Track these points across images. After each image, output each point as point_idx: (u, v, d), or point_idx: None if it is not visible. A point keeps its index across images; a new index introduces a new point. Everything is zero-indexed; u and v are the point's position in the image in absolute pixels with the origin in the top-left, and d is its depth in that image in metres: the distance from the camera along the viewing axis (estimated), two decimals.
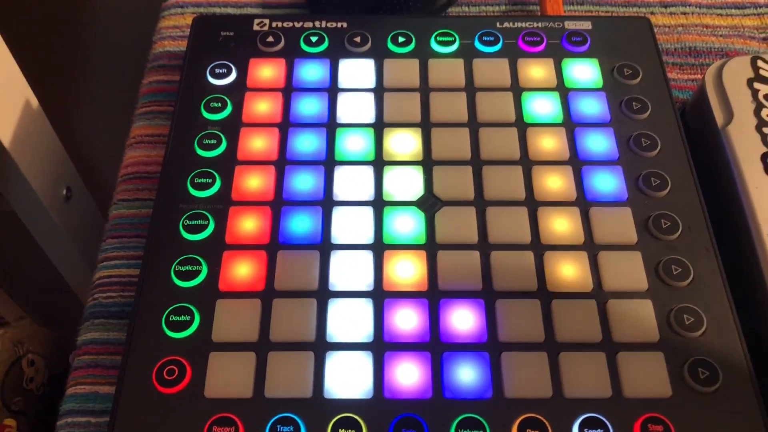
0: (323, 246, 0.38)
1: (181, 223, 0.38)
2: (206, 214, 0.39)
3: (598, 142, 0.41)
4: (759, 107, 0.42)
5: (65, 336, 0.55)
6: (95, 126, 0.98)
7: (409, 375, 0.34)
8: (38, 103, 0.56)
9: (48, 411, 0.49)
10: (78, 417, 0.37)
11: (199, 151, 0.41)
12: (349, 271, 0.37)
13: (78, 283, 0.69)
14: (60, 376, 0.51)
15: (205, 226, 0.38)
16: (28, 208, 0.58)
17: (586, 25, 0.46)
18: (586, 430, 0.33)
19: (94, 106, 1.04)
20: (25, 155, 0.54)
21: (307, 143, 0.42)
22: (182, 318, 0.36)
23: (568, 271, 0.37)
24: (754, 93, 0.42)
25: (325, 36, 0.46)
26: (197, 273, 0.37)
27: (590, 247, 0.38)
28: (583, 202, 0.39)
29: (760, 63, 0.43)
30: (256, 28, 0.46)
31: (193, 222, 0.39)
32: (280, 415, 0.33)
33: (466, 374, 0.34)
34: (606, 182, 0.40)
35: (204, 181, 0.40)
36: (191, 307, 0.36)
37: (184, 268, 0.37)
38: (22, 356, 0.47)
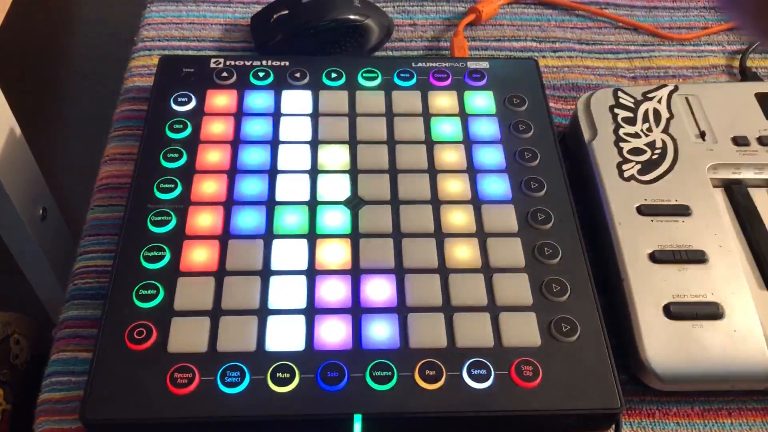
0: (266, 236, 0.47)
1: (148, 218, 0.47)
2: (169, 212, 0.47)
3: (491, 156, 0.51)
4: (617, 127, 0.52)
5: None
6: (63, 156, 1.06)
7: (334, 333, 0.43)
8: (20, 130, 0.64)
9: (28, 386, 0.56)
10: (60, 377, 0.44)
11: (164, 163, 0.50)
12: (288, 255, 0.46)
13: (50, 299, 0.75)
14: (40, 357, 0.57)
15: (169, 221, 0.47)
16: (8, 225, 0.66)
17: (484, 65, 0.57)
18: (472, 370, 0.41)
19: (62, 139, 1.12)
20: (8, 176, 0.62)
21: (254, 156, 0.51)
22: (149, 292, 0.44)
23: (463, 253, 0.46)
24: (614, 116, 0.53)
25: (271, 72, 0.55)
26: (162, 257, 0.45)
27: (481, 235, 0.47)
28: (476, 201, 0.49)
29: (620, 93, 0.54)
30: (212, 65, 0.56)
31: (159, 218, 0.47)
32: (229, 364, 0.41)
33: (379, 331, 0.43)
34: (495, 186, 0.50)
35: (168, 186, 0.48)
36: (157, 284, 0.44)
37: (151, 254, 0.45)
38: (10, 335, 0.54)
